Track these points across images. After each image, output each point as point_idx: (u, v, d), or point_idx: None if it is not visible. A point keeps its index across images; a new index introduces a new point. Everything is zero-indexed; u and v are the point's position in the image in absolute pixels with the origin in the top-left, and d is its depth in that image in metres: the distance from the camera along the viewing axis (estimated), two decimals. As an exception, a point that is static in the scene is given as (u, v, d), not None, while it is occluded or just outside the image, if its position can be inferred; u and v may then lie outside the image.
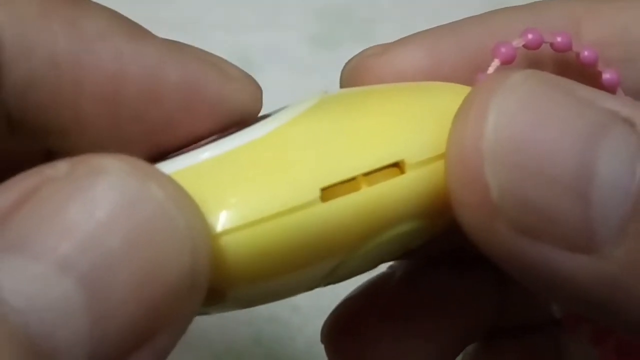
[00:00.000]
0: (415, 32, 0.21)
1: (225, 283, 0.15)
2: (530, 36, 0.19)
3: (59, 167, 0.14)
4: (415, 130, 0.16)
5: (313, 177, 0.15)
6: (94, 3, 0.18)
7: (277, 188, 0.15)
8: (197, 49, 0.19)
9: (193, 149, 0.17)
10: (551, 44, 0.19)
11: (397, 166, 0.16)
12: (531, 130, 0.15)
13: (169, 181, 0.14)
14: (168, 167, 0.16)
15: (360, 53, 0.21)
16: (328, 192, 0.15)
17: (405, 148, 0.16)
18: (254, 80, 0.19)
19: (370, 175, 0.16)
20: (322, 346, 0.23)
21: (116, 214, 0.13)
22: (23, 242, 0.13)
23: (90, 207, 0.13)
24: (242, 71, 0.19)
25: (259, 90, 0.19)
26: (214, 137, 0.18)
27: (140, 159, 0.14)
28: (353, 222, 0.16)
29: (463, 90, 0.17)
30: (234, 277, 0.15)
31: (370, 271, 0.23)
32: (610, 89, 0.19)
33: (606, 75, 0.19)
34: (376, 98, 0.18)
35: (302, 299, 0.35)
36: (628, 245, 0.15)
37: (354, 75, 0.20)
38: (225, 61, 0.19)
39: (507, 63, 0.19)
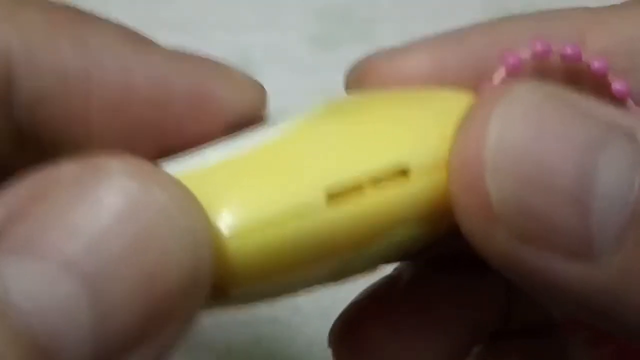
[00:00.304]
0: (415, 32, 0.21)
1: (228, 283, 0.15)
2: (538, 47, 0.19)
3: (66, 169, 0.14)
4: (421, 137, 0.17)
5: (318, 182, 0.16)
6: (100, 17, 0.18)
7: (282, 191, 0.15)
8: (201, 55, 0.19)
9: (199, 150, 0.17)
10: (560, 55, 0.19)
11: (402, 172, 0.16)
12: (532, 141, 0.15)
13: (172, 183, 0.14)
14: (174, 168, 0.16)
15: (364, 58, 0.21)
16: (333, 197, 0.16)
17: (411, 154, 0.16)
18: (259, 83, 0.20)
19: (375, 180, 0.16)
20: (322, 347, 0.23)
21: (119, 217, 0.13)
22: (30, 242, 0.13)
23: (94, 209, 0.13)
24: (246, 74, 0.19)
25: (263, 92, 0.20)
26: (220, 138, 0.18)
27: (145, 160, 0.14)
28: (357, 227, 0.16)
29: (467, 97, 0.17)
30: (237, 277, 0.15)
31: (375, 274, 0.23)
32: (620, 100, 0.19)
33: (616, 87, 0.19)
34: (381, 104, 0.18)
35: (303, 300, 0.36)
36: (626, 253, 0.15)
37: (357, 80, 0.20)
38: (229, 66, 0.19)
39: (514, 72, 0.19)
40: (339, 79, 0.21)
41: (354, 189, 0.16)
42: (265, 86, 0.19)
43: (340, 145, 0.16)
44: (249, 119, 0.19)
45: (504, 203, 0.15)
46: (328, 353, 0.23)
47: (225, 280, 0.15)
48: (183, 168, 0.16)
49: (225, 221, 0.15)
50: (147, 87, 0.18)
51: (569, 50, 0.19)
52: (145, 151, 0.18)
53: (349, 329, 0.23)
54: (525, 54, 0.19)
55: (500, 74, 0.19)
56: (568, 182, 0.15)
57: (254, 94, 0.19)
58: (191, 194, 0.14)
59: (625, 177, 0.15)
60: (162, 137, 0.18)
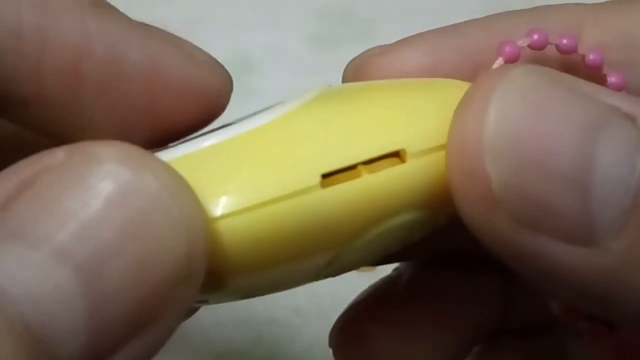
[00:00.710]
0: (415, 32, 0.21)
1: (224, 268, 0.15)
2: (535, 36, 0.19)
3: (57, 155, 0.14)
4: (417, 121, 0.16)
5: (313, 163, 0.15)
6: None
7: (276, 173, 0.15)
8: (164, 31, 0.19)
9: (194, 138, 0.17)
10: (556, 46, 0.19)
11: (397, 155, 0.16)
12: (532, 123, 0.15)
13: (163, 169, 0.14)
14: (169, 154, 0.16)
15: (362, 54, 0.21)
16: (328, 179, 0.15)
17: (406, 137, 0.16)
18: (223, 67, 0.19)
19: (371, 163, 0.16)
20: (322, 347, 0.23)
21: (111, 204, 0.13)
22: (21, 230, 0.13)
23: (85, 196, 0.13)
24: (211, 57, 0.19)
25: (228, 75, 0.19)
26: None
27: (136, 146, 0.14)
28: (352, 210, 0.16)
29: (465, 85, 0.17)
30: (233, 262, 0.15)
31: (375, 275, 0.23)
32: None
33: (611, 79, 0.19)
34: (378, 90, 0.18)
35: (302, 300, 0.36)
36: (628, 239, 0.15)
37: (355, 75, 0.20)
38: (194, 46, 0.19)
39: (511, 62, 0.19)
40: (339, 79, 0.21)
41: (349, 172, 0.16)
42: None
43: (336, 128, 0.16)
44: (212, 98, 0.19)
45: (505, 187, 0.15)
46: (328, 353, 0.23)
47: (220, 267, 0.15)
48: (176, 154, 0.16)
49: (218, 203, 0.15)
50: (102, 52, 0.18)
51: (565, 42, 0.19)
52: (100, 119, 0.18)
53: (350, 328, 0.23)
54: (522, 43, 0.19)
55: (498, 63, 0.19)
56: (568, 166, 0.15)
57: (217, 74, 0.19)
58: (183, 179, 0.14)
59: (627, 160, 0.15)
60: (116, 106, 0.18)
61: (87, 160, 0.13)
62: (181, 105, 0.19)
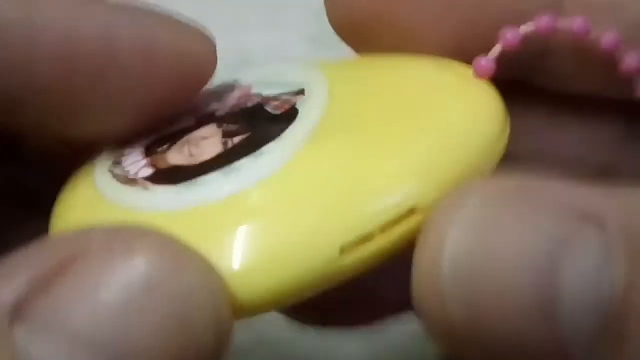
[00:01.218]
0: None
1: (234, 314, 0.16)
2: (543, 21, 0.18)
3: (95, 239, 0.14)
4: (428, 171, 0.17)
5: (332, 239, 0.16)
6: None
7: (295, 243, 0.16)
8: (149, 6, 0.19)
9: (201, 166, 0.17)
10: (567, 30, 0.19)
11: (409, 212, 0.16)
12: (487, 260, 0.15)
13: (196, 260, 0.14)
14: (179, 198, 0.16)
15: None
16: (345, 248, 0.16)
17: (418, 194, 0.17)
18: (208, 33, 0.20)
19: (385, 227, 0.16)
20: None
21: (148, 299, 0.13)
22: (57, 321, 0.13)
23: (123, 289, 0.13)
24: (195, 23, 0.20)
25: (212, 42, 0.20)
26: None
27: (170, 235, 0.14)
28: (364, 267, 0.16)
29: (476, 106, 0.18)
30: (243, 312, 0.16)
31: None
32: (632, 75, 0.19)
33: (628, 61, 0.19)
34: (386, 122, 0.18)
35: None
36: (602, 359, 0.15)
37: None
38: (179, 16, 0.19)
39: (511, 50, 0.18)
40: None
41: (365, 239, 0.16)
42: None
43: (348, 186, 0.16)
44: (199, 68, 0.19)
45: (469, 330, 0.15)
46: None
47: (235, 319, 0.16)
48: (188, 201, 0.16)
49: (236, 262, 0.15)
50: (93, 34, 0.18)
51: (576, 25, 0.19)
52: (94, 100, 0.18)
53: None
54: (527, 28, 0.18)
55: (496, 51, 0.19)
56: (530, 297, 0.14)
57: (204, 43, 0.19)
58: (214, 269, 0.15)
59: (593, 279, 0.14)
60: (110, 86, 0.18)
61: (125, 250, 0.14)
62: (174, 75, 0.19)
